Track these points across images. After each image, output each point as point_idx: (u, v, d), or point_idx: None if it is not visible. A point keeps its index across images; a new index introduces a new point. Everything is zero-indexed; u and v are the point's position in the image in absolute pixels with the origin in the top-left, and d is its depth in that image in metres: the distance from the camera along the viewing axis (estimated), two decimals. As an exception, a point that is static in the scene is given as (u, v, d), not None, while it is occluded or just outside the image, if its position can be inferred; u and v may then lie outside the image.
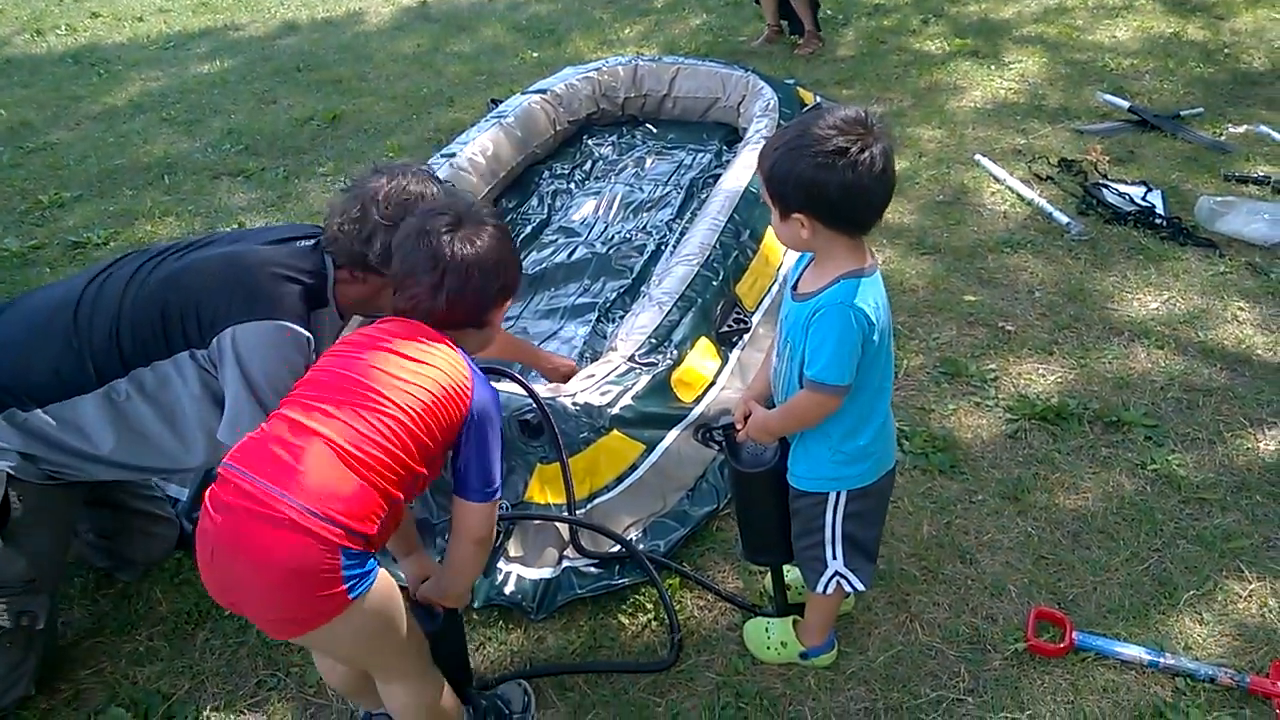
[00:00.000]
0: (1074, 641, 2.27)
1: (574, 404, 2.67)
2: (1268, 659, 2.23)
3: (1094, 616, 2.37)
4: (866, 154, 1.67)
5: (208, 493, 1.65)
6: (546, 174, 4.76)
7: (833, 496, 2.00)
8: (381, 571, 1.69)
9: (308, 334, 2.11)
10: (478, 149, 4.38)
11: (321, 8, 8.82)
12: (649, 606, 2.48)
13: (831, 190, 1.69)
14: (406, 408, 1.68)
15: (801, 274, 1.92)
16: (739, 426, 2.12)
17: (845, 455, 1.95)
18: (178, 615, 2.54)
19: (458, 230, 1.81)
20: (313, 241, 2.27)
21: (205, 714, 2.28)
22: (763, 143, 4.21)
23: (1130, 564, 2.51)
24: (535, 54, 7.01)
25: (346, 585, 1.60)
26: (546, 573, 2.52)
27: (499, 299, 1.89)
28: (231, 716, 2.28)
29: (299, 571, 1.57)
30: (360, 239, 2.16)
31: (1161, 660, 2.22)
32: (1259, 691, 2.13)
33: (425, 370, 1.73)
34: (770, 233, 3.73)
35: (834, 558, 2.05)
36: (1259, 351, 3.29)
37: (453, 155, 4.28)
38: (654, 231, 4.15)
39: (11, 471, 2.09)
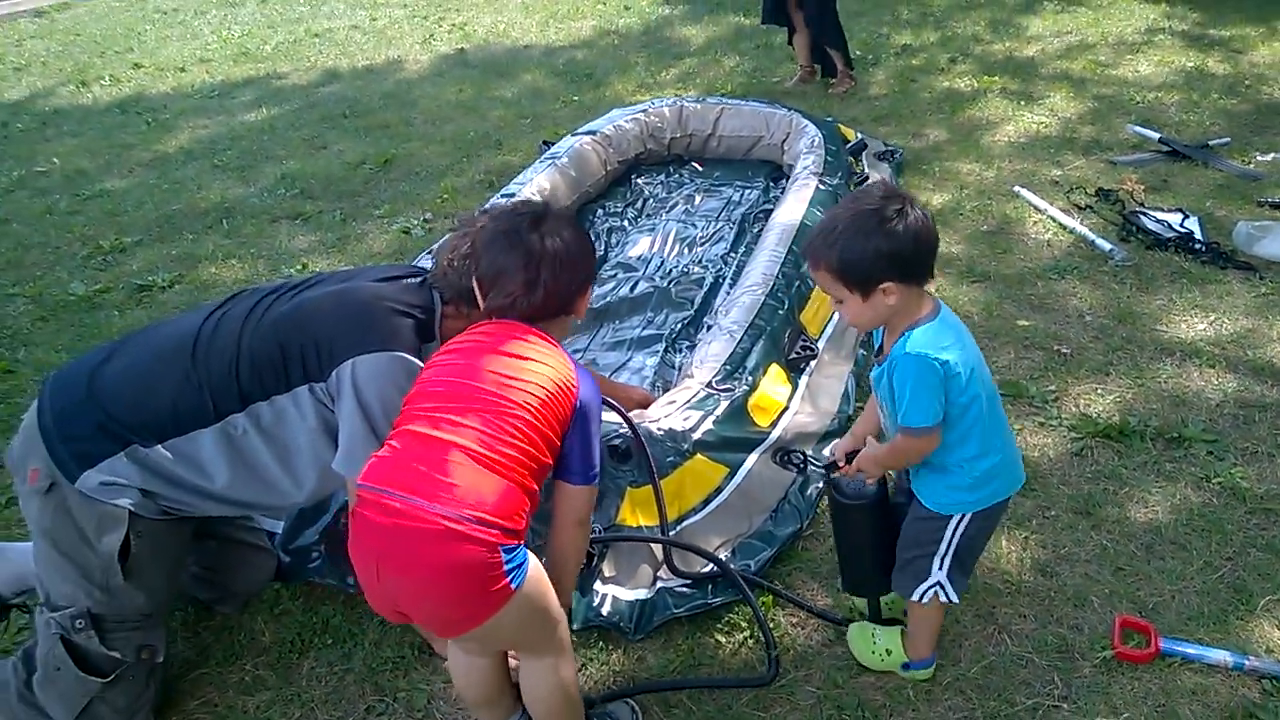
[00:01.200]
0: (1160, 648, 2.35)
1: (658, 429, 2.79)
2: (1348, 660, 2.31)
3: (1175, 624, 2.46)
4: (914, 208, 1.88)
5: (353, 515, 1.77)
6: (600, 212, 4.92)
7: (958, 517, 2.10)
8: (530, 555, 1.80)
9: (421, 365, 2.19)
10: (535, 189, 4.53)
11: (361, 56, 9.06)
12: (743, 625, 2.56)
13: (907, 248, 1.86)
14: (527, 405, 1.81)
15: (881, 341, 2.07)
16: (841, 464, 2.25)
17: (976, 478, 2.05)
18: (281, 645, 2.60)
19: (541, 226, 1.98)
20: (419, 279, 2.37)
21: (320, 738, 2.36)
22: (812, 178, 4.39)
23: (1204, 573, 2.60)
24: (576, 98, 7.21)
25: (509, 578, 1.71)
26: (642, 593, 2.60)
27: (585, 286, 2.07)
28: (346, 741, 2.35)
29: (466, 576, 1.68)
30: (469, 275, 2.27)
31: (1247, 663, 2.30)
32: (1343, 691, 2.22)
33: (536, 368, 1.87)
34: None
35: (939, 568, 2.16)
36: (1308, 369, 3.40)
37: (512, 195, 4.43)
38: (710, 265, 4.29)
39: (133, 509, 2.12)
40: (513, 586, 1.72)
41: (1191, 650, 2.35)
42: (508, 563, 1.71)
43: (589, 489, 1.97)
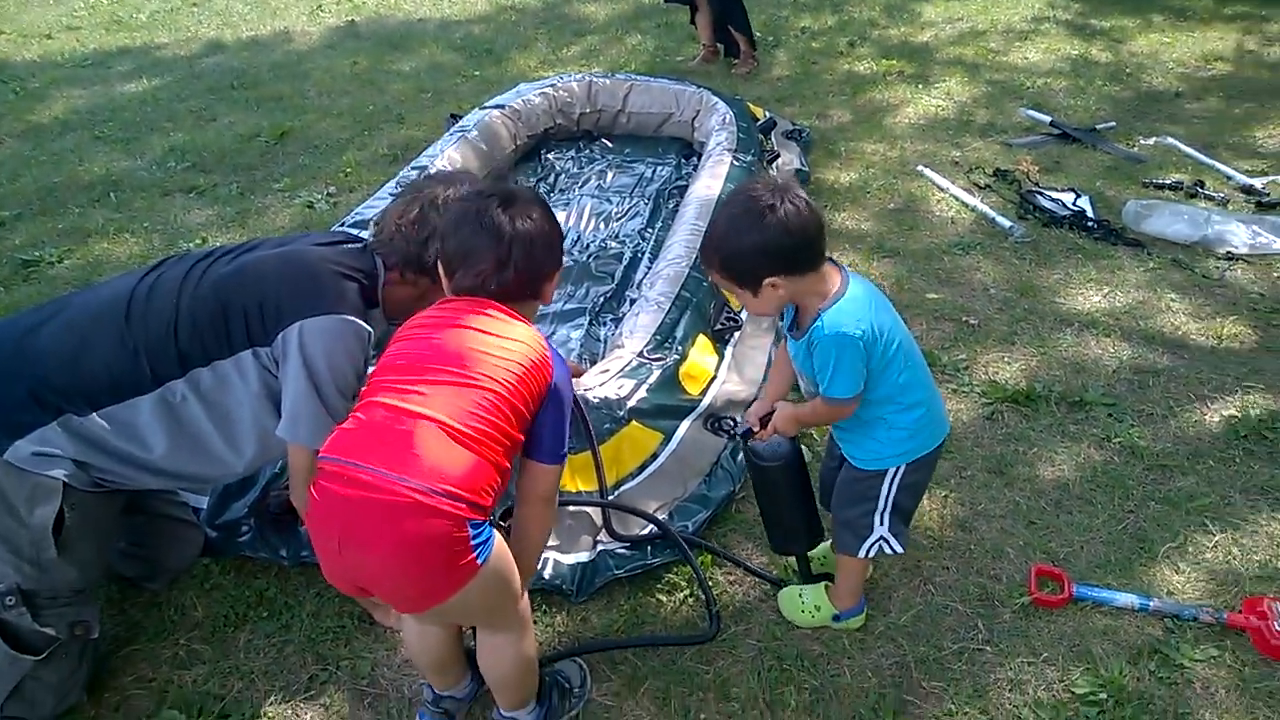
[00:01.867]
0: (1073, 593, 2.50)
1: (594, 397, 2.81)
2: (1238, 598, 2.50)
3: (1085, 571, 2.61)
4: (787, 201, 1.90)
5: (314, 486, 1.71)
6: (512, 186, 4.88)
7: (892, 471, 2.17)
8: (496, 533, 1.78)
9: (369, 329, 2.15)
10: (446, 162, 4.47)
11: (244, 26, 8.74)
12: (683, 584, 2.61)
13: (783, 242, 1.90)
14: (503, 381, 1.77)
15: (795, 316, 2.11)
16: (756, 429, 2.29)
17: (903, 432, 2.13)
18: (215, 619, 2.54)
19: (510, 208, 1.92)
20: (360, 245, 2.32)
21: (263, 710, 2.30)
22: (726, 154, 4.46)
23: (1109, 525, 2.77)
24: (477, 72, 7.12)
25: (475, 553, 1.68)
26: (583, 557, 2.62)
27: (553, 270, 2.01)
28: (290, 711, 2.30)
29: (432, 550, 1.64)
30: (418, 241, 2.23)
31: (1151, 604, 2.46)
32: (1235, 625, 2.40)
33: (512, 345, 1.82)
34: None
35: (881, 524, 2.23)
36: (1193, 337, 3.64)
37: (423, 168, 4.36)
38: (627, 240, 4.31)
39: (67, 480, 2.04)
40: (478, 562, 1.70)
41: (1101, 594, 2.50)
42: (474, 538, 1.68)
43: (558, 468, 1.95)
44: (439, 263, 2.00)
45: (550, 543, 2.63)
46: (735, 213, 1.93)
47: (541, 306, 2.11)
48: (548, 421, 1.89)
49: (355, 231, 3.54)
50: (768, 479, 2.36)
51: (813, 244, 1.94)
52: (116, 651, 2.47)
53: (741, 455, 2.99)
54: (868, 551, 2.27)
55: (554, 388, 1.89)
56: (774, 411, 2.24)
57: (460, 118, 5.14)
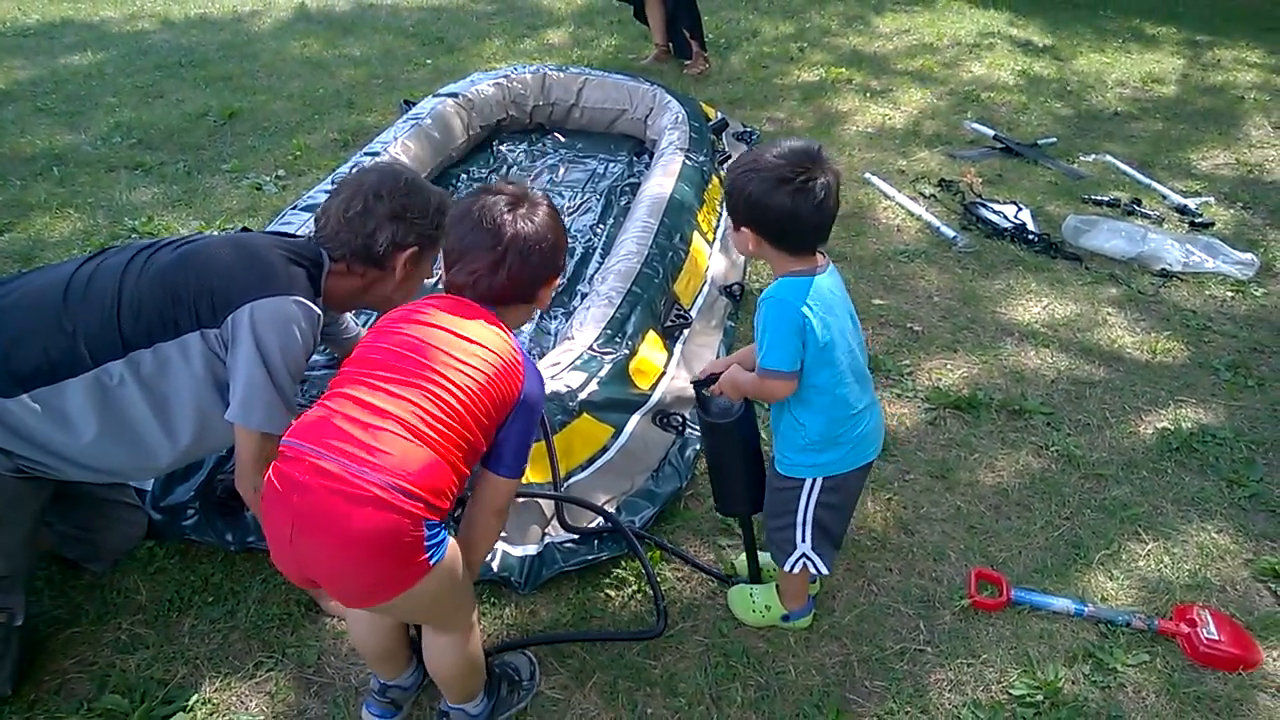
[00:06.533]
0: (1011, 597, 2.57)
1: (546, 389, 2.80)
2: (1169, 605, 2.58)
3: (1023, 575, 2.67)
4: (810, 183, 1.88)
5: (273, 471, 1.68)
6: (464, 177, 4.85)
7: (808, 483, 2.18)
8: (450, 537, 1.78)
9: (319, 311, 2.14)
10: (400, 149, 4.43)
11: (193, 4, 8.56)
12: (631, 580, 2.62)
13: (773, 214, 1.92)
14: (465, 388, 1.75)
15: None
16: (709, 383, 2.30)
17: (816, 442, 2.12)
18: (158, 603, 2.50)
19: (517, 209, 1.89)
20: (304, 239, 2.31)
21: (207, 697, 2.27)
22: (679, 153, 4.48)
23: (1046, 531, 2.84)
24: (429, 61, 7.04)
25: (428, 554, 1.68)
26: (531, 549, 2.61)
27: (551, 276, 1.99)
28: (234, 698, 2.27)
29: (387, 545, 1.63)
30: (365, 233, 2.22)
31: (1086, 610, 2.53)
32: (1165, 632, 2.48)
33: (482, 352, 1.80)
34: (698, 237, 3.98)
35: (803, 540, 2.24)
36: (1129, 350, 3.75)
37: (376, 154, 4.31)
38: (579, 235, 4.31)
39: None
40: (430, 563, 1.69)
41: (1038, 599, 2.57)
42: (429, 539, 1.68)
43: (514, 482, 1.94)
44: (442, 256, 1.98)
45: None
46: (760, 159, 1.93)
47: (538, 310, 2.11)
48: (512, 434, 1.88)
49: (305, 217, 3.51)
50: (712, 435, 2.37)
51: (806, 233, 1.96)
52: (57, 634, 2.42)
53: (698, 450, 3.02)
54: (792, 567, 2.30)
55: (523, 402, 1.87)
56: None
57: (413, 104, 5.10)
